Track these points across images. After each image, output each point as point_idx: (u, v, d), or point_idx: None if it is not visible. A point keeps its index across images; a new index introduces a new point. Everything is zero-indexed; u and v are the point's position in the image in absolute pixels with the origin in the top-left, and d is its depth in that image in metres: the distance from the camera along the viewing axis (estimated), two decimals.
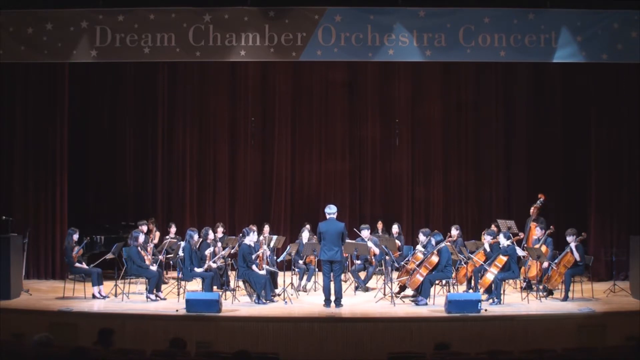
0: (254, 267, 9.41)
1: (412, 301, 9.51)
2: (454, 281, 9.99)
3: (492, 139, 13.25)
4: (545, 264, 9.83)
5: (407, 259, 10.21)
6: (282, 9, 10.23)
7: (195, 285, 10.41)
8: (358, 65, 12.91)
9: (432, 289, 9.54)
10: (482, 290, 9.55)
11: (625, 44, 10.11)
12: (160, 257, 10.26)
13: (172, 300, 9.52)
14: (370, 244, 10.57)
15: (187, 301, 8.82)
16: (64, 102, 11.56)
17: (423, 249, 9.99)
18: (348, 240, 10.56)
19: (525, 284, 10.20)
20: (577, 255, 9.67)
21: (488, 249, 9.73)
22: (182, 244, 10.04)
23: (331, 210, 9.37)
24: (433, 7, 10.26)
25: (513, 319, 8.71)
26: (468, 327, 8.50)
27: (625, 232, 11.10)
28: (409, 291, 9.90)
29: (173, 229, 11.46)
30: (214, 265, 9.97)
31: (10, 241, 10.05)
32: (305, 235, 10.96)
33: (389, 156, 13.41)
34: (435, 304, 9.32)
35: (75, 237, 10.09)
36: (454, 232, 10.70)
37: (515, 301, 9.58)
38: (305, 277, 10.65)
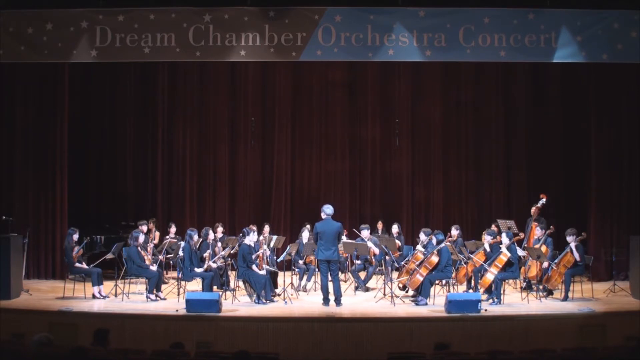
0: (254, 267, 9.41)
1: (412, 301, 9.51)
2: (454, 281, 9.99)
3: (492, 139, 13.25)
4: (545, 264, 9.83)
5: (407, 259, 10.22)
6: (282, 9, 10.24)
7: (195, 285, 10.41)
8: (358, 65, 12.91)
9: (432, 289, 9.54)
10: (482, 290, 9.55)
11: (625, 44, 10.12)
12: (160, 257, 10.25)
13: (172, 300, 9.52)
14: (370, 244, 10.57)
15: (187, 301, 8.82)
16: (64, 102, 11.55)
17: (423, 249, 10.00)
18: (348, 240, 10.60)
19: (525, 284, 10.20)
20: (577, 255, 9.67)
21: (488, 249, 9.73)
22: (182, 244, 10.04)
23: (330, 211, 9.40)
24: (433, 7, 10.27)
25: (513, 319, 8.71)
26: (468, 327, 8.50)
27: (625, 232, 11.09)
28: (409, 291, 9.91)
29: (173, 229, 11.46)
30: (214, 265, 9.97)
31: (10, 241, 10.05)
32: (305, 235, 10.96)
33: (389, 156, 13.41)
34: (435, 304, 9.32)
35: (75, 237, 10.09)
36: (454, 232, 10.70)
37: (515, 301, 9.58)
38: (305, 277, 10.65)
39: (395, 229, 11.93)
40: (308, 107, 13.46)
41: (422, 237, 10.22)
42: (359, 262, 10.88)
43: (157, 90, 13.16)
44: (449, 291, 9.68)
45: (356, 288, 10.49)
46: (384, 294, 9.64)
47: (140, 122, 13.15)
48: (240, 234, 10.62)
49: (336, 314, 8.89)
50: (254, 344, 8.06)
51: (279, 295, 9.71)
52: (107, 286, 9.99)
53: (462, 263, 10.09)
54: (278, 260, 10.66)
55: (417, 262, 9.76)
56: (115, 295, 9.82)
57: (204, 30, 10.25)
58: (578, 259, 9.68)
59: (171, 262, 11.09)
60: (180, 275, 9.93)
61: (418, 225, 12.51)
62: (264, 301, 9.34)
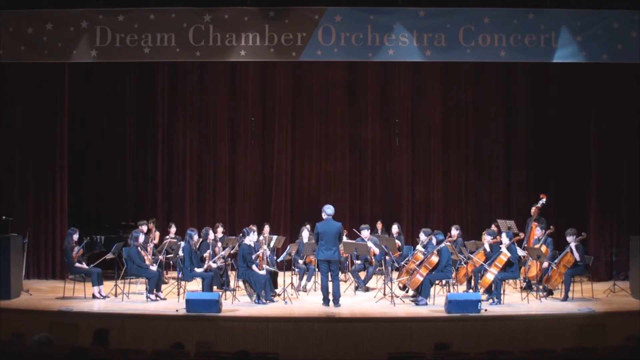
0: (254, 267, 9.42)
1: (412, 301, 9.51)
2: (454, 281, 9.99)
3: (492, 139, 13.25)
4: (545, 264, 9.83)
5: (407, 259, 10.22)
6: (282, 9, 10.25)
7: (195, 285, 10.41)
8: (358, 65, 12.91)
9: (432, 289, 9.54)
10: (482, 290, 9.55)
11: (625, 44, 10.13)
12: (160, 257, 10.25)
13: (172, 300, 9.52)
14: (370, 244, 10.57)
15: (187, 301, 8.82)
16: (64, 102, 11.55)
17: (423, 249, 10.00)
18: (348, 240, 10.60)
19: (525, 284, 10.20)
20: (577, 255, 9.67)
21: (488, 249, 9.73)
22: (182, 244, 10.04)
23: (331, 211, 9.39)
24: (433, 7, 10.28)
25: (513, 319, 8.71)
26: (468, 327, 8.50)
27: (625, 232, 11.09)
28: (409, 291, 9.91)
29: (173, 229, 11.46)
30: (214, 265, 9.97)
31: (10, 241, 10.05)
32: (305, 235, 10.96)
33: (389, 156, 13.41)
34: (435, 304, 9.32)
35: (75, 237, 10.09)
36: (454, 232, 10.70)
37: (515, 301, 9.58)
38: (305, 277, 10.65)
39: (395, 229, 11.93)
40: (308, 107, 13.46)
41: (422, 237, 10.22)
42: (359, 262, 10.88)
43: (157, 90, 13.16)
44: (449, 291, 9.68)
45: (356, 288, 10.49)
46: (384, 294, 9.64)
47: (140, 122, 13.15)
48: (240, 234, 10.62)
49: (336, 314, 8.89)
50: (254, 344, 8.06)
51: (279, 295, 9.71)
52: (107, 286, 9.99)
53: (462, 263, 10.09)
54: (278, 260, 10.66)
55: (417, 262, 9.76)
56: (115, 295, 9.82)
57: (204, 30, 10.25)
58: (578, 259, 9.68)
59: (171, 262, 11.09)
60: (180, 275, 9.93)
61: (418, 225, 12.51)
62: (264, 301, 9.34)
